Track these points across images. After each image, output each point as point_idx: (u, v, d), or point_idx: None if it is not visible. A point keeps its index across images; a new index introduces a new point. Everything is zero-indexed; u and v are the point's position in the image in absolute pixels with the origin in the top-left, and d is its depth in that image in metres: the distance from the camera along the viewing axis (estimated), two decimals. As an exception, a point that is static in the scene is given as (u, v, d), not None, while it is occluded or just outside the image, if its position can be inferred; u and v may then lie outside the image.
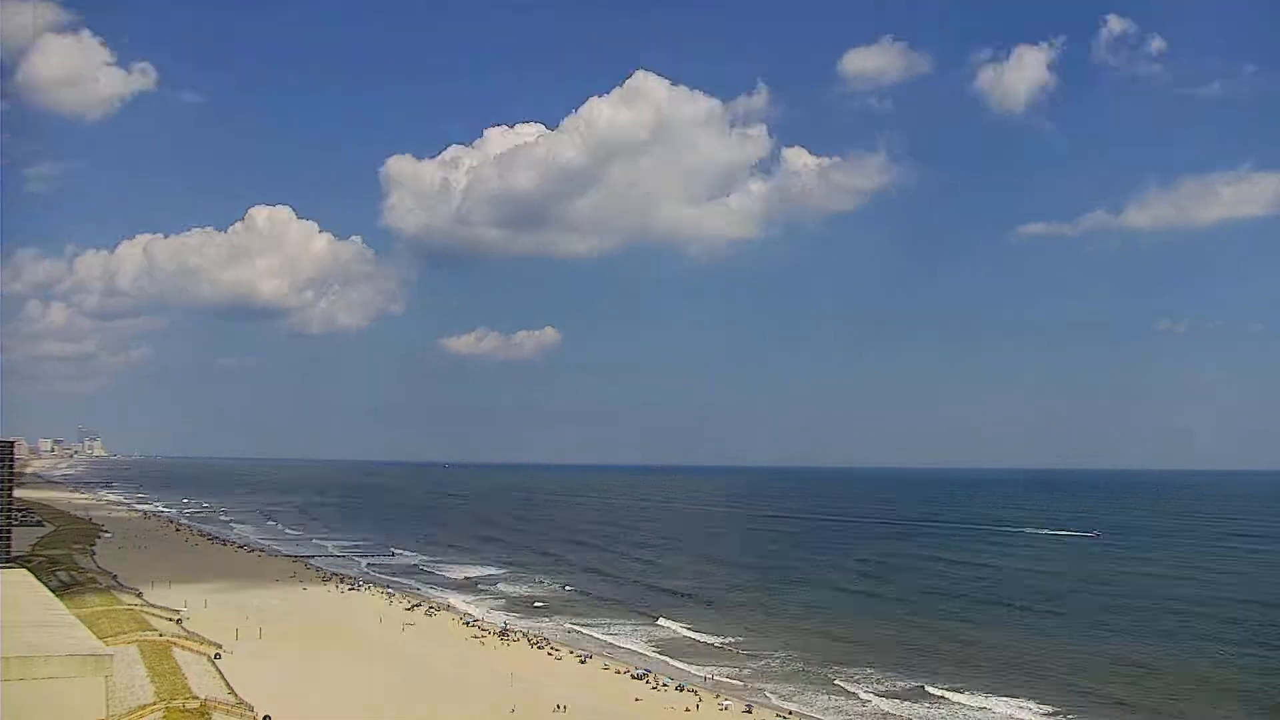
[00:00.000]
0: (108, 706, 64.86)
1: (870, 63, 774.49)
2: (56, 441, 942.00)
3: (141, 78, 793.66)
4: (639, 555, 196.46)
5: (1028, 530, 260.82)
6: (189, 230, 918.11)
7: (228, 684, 76.42)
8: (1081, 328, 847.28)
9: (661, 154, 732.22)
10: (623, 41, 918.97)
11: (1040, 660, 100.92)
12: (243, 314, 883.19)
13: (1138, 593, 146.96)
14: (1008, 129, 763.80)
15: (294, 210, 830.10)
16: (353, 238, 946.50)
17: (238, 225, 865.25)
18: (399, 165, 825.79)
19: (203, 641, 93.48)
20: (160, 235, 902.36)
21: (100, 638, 71.98)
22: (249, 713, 69.42)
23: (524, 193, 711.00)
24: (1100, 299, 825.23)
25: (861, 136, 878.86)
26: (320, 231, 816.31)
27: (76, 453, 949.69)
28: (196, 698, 69.34)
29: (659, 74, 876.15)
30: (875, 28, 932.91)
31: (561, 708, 77.84)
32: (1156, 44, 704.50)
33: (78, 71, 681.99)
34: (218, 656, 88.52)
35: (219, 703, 69.81)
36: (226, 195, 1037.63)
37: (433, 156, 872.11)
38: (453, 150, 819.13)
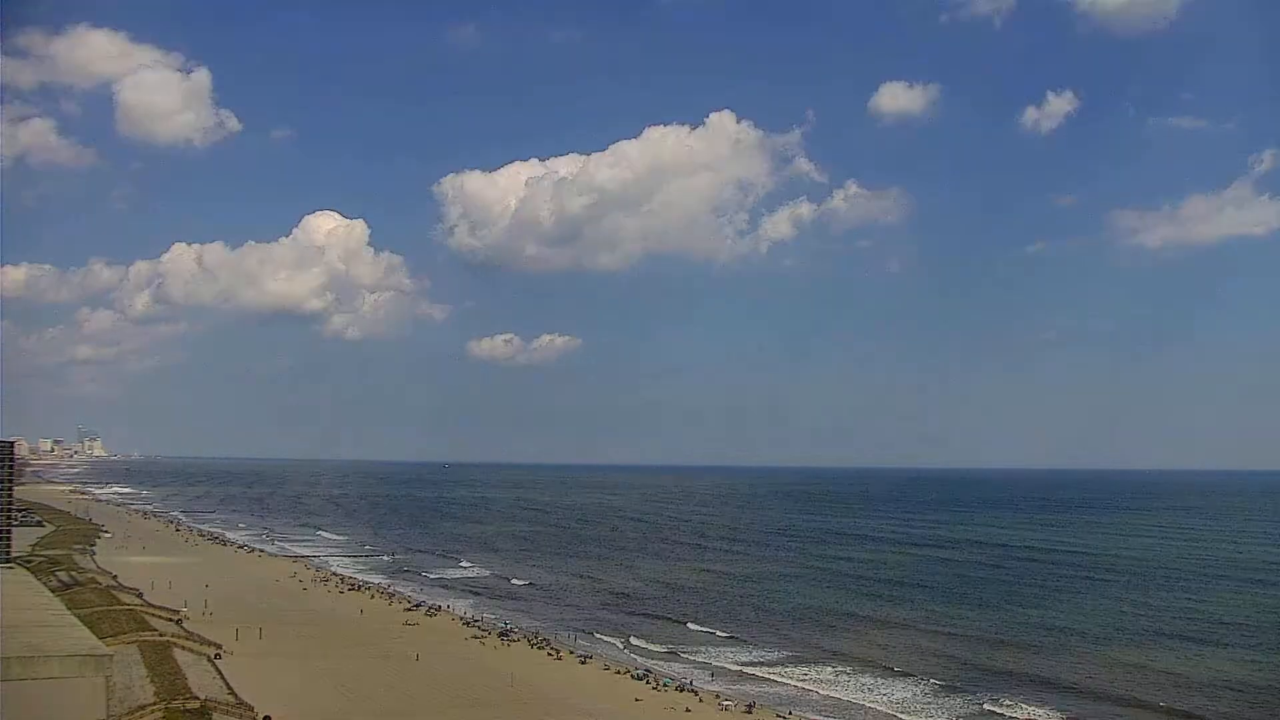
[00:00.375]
0: (108, 706, 64.89)
1: (905, 99, 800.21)
2: (56, 442, 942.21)
3: (233, 114, 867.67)
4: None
5: None
6: (246, 243, 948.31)
7: (228, 684, 76.34)
8: (1093, 335, 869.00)
9: (697, 178, 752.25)
10: (683, 78, 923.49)
11: None
12: (277, 320, 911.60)
13: None
14: (1033, 155, 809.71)
15: (342, 217, 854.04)
16: (399, 247, 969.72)
17: (286, 235, 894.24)
18: (453, 181, 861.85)
19: (203, 641, 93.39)
20: (206, 245, 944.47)
21: (100, 638, 72.10)
22: (249, 713, 69.35)
23: (568, 214, 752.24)
24: (1111, 309, 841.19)
25: (892, 163, 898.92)
26: (371, 243, 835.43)
27: (76, 453, 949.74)
28: (196, 698, 69.27)
29: (722, 109, 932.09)
30: (917, 73, 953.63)
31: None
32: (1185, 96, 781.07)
33: (178, 104, 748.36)
34: (218, 656, 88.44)
35: (219, 703, 69.76)
36: (283, 207, 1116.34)
37: (488, 171, 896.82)
38: (507, 171, 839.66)
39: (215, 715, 66.67)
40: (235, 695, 73.12)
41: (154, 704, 66.89)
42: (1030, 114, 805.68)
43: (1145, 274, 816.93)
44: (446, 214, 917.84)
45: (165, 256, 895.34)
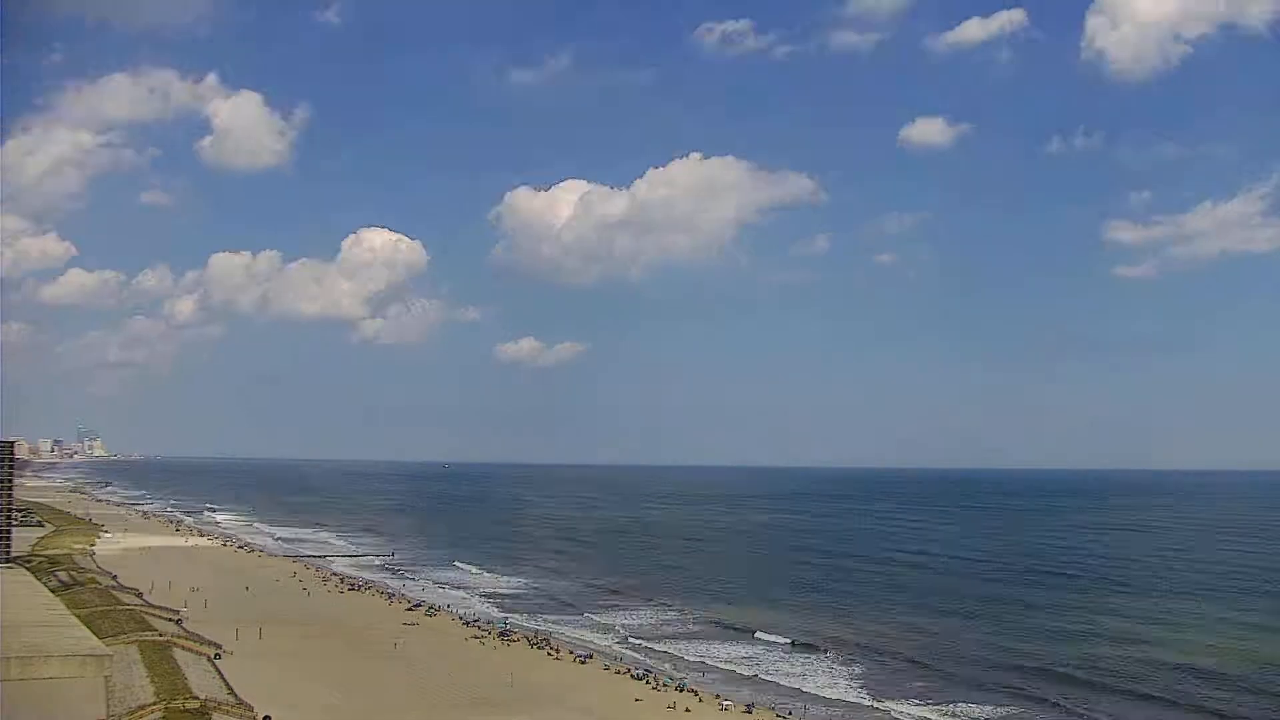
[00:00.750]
0: (108, 706, 64.94)
1: (932, 132, 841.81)
2: (56, 442, 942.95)
3: (308, 140, 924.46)
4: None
5: None
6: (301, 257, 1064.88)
7: (228, 684, 76.39)
8: (1112, 343, 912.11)
9: (726, 203, 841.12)
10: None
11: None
12: (311, 326, 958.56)
13: None
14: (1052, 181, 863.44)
15: (390, 231, 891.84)
16: (445, 263, 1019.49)
17: (338, 250, 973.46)
18: (498, 200, 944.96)
19: (203, 641, 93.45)
20: (259, 254, 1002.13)
21: (100, 638, 72.08)
22: (249, 713, 69.41)
23: (603, 231, 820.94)
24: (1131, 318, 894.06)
25: (916, 192, 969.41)
26: (414, 255, 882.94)
27: (77, 453, 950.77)
28: (196, 698, 69.30)
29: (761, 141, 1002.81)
30: (949, 113, 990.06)
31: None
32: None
33: (265, 132, 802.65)
34: (218, 656, 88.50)
35: (219, 703, 69.80)
36: (340, 224, 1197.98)
37: (540, 189, 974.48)
38: (551, 191, 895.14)
39: (215, 715, 66.70)
40: (235, 695, 73.15)
41: (154, 704, 66.92)
42: (1054, 144, 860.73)
43: (1143, 286, 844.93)
44: (491, 230, 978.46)
45: (213, 260, 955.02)
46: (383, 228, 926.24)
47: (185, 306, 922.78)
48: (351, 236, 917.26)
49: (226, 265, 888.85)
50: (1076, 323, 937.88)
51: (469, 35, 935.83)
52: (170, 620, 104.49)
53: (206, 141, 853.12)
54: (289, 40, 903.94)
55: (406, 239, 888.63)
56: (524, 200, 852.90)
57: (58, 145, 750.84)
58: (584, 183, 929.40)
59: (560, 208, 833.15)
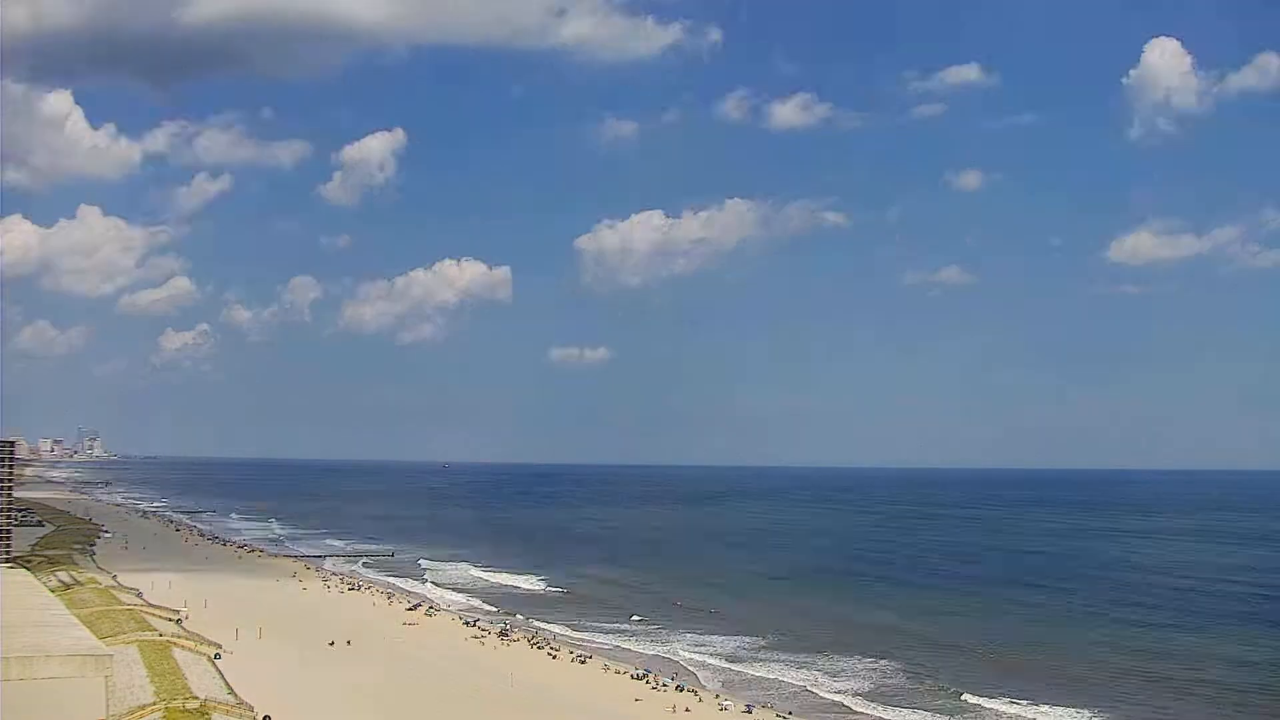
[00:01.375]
0: (108, 706, 64.95)
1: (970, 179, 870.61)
2: (56, 441, 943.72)
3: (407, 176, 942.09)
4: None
5: None
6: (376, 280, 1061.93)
7: (228, 684, 76.37)
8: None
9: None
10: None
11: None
12: (355, 338, 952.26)
13: None
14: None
15: (478, 260, 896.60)
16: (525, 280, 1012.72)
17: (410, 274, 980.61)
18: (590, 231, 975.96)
19: (203, 641, 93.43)
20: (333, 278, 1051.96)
21: (100, 638, 72.19)
22: (249, 713, 69.40)
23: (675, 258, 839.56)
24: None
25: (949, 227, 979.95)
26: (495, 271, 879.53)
27: (77, 452, 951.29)
28: (196, 698, 69.30)
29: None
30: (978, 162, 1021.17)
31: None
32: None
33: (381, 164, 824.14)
34: (218, 656, 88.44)
35: (219, 703, 69.79)
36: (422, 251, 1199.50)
37: (621, 220, 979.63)
38: (631, 221, 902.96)
39: (215, 715, 66.69)
40: (235, 695, 73.14)
41: (154, 704, 66.90)
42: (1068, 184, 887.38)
43: (1140, 299, 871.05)
44: (570, 256, 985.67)
45: (293, 282, 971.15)
46: (470, 257, 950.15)
47: (240, 315, 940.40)
48: (427, 267, 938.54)
49: (301, 283, 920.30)
50: (1084, 330, 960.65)
51: (591, 99, 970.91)
52: (170, 620, 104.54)
53: (335, 178, 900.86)
54: (438, 95, 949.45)
55: (477, 262, 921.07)
56: (602, 230, 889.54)
57: (202, 183, 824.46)
58: (658, 214, 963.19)
59: (636, 235, 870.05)
